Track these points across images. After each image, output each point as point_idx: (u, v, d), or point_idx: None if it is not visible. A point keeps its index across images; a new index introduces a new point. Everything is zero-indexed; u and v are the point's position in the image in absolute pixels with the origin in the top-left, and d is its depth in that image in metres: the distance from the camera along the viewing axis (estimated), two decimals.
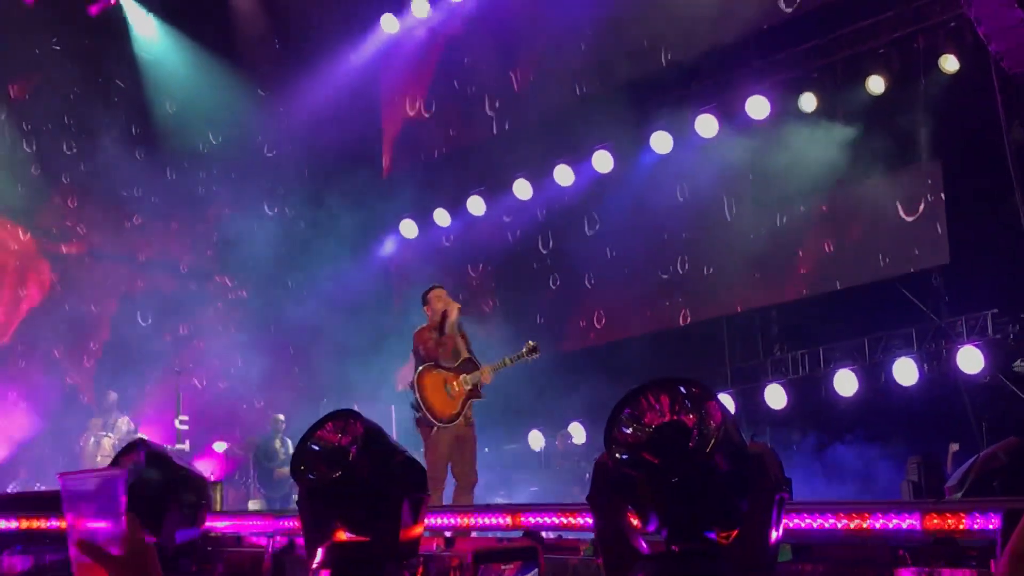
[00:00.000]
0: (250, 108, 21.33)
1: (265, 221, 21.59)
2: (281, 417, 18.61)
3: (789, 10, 15.49)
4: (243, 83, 21.36)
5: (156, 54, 20.59)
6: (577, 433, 17.31)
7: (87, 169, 20.07)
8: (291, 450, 17.48)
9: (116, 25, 20.18)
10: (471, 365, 10.77)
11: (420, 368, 10.54)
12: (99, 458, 16.64)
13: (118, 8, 20.12)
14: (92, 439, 17.39)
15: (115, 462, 7.37)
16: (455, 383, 10.58)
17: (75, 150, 19.99)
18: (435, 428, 10.44)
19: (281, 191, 21.75)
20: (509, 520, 7.03)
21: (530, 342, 11.25)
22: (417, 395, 10.43)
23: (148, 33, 20.43)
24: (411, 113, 20.69)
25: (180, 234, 20.88)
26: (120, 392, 18.72)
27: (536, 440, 17.88)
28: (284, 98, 21.72)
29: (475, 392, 10.70)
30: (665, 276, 17.49)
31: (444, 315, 10.73)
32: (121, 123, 20.44)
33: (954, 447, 12.45)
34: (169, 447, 15.82)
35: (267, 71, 21.82)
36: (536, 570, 5.05)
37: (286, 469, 17.52)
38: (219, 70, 21.03)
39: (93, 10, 19.97)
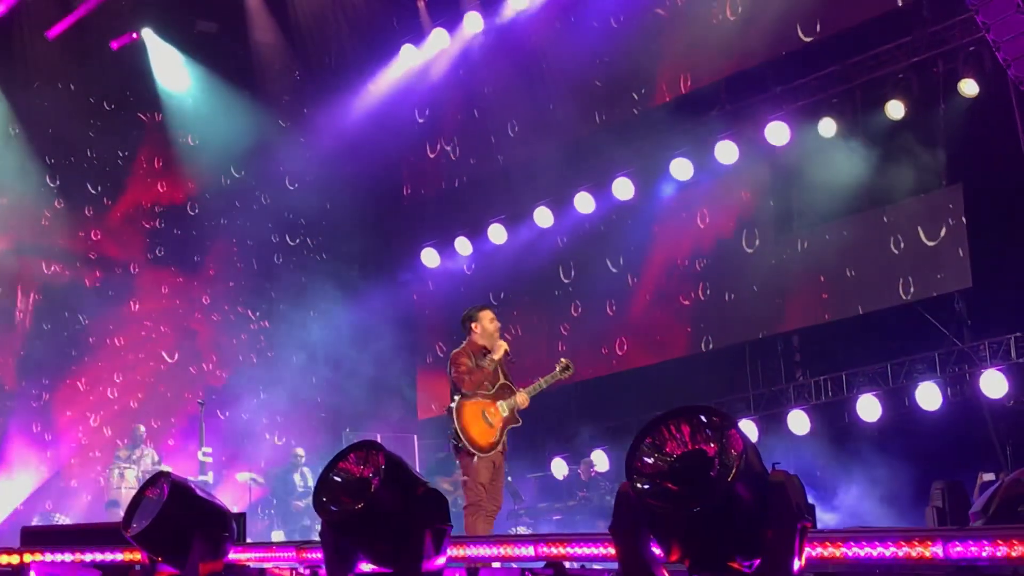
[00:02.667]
0: (271, 140, 21.46)
1: (287, 252, 21.68)
2: (300, 452, 18.61)
3: (808, 39, 15.53)
4: (264, 115, 21.49)
5: (177, 87, 20.70)
6: (600, 461, 17.28)
7: (111, 202, 20.20)
8: (309, 483, 17.55)
9: (138, 59, 20.31)
10: (508, 391, 10.57)
11: (458, 398, 10.38)
12: (123, 490, 16.68)
13: (140, 42, 20.24)
14: (116, 471, 17.45)
15: (139, 495, 7.44)
16: (492, 410, 10.42)
17: (99, 189, 20.12)
18: (476, 458, 10.28)
19: (303, 221, 21.83)
20: (532, 550, 7.01)
21: (563, 360, 10.99)
22: (456, 425, 10.27)
23: (169, 67, 20.55)
24: (431, 142, 20.76)
25: (202, 266, 20.96)
26: (144, 424, 18.79)
27: (559, 468, 17.85)
28: (305, 129, 21.85)
29: (512, 418, 10.53)
30: (687, 303, 17.49)
31: (490, 349, 10.54)
32: (144, 156, 20.59)
33: (986, 476, 12.35)
34: (192, 479, 15.88)
35: (288, 102, 21.97)
36: None
37: (303, 502, 17.53)
38: (240, 102, 21.16)
39: (115, 44, 20.12)
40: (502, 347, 10.55)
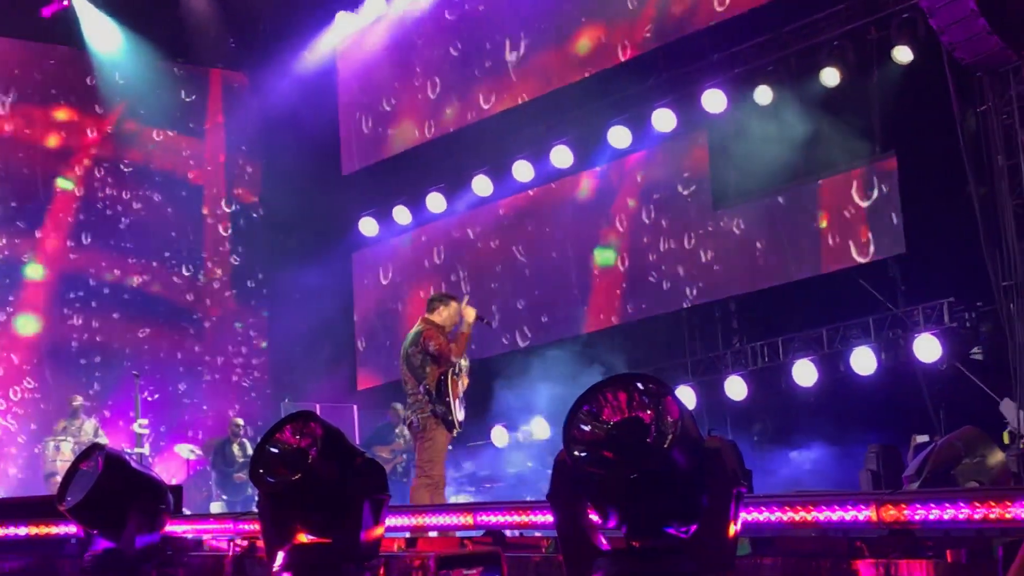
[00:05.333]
0: (205, 108, 21.27)
1: (223, 221, 21.53)
2: (240, 421, 18.50)
3: (745, 8, 15.51)
4: (198, 83, 21.31)
5: (110, 55, 20.45)
6: (540, 429, 17.32)
7: (41, 169, 19.96)
8: (250, 453, 17.46)
9: (69, 26, 20.03)
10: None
11: (449, 372, 10.71)
12: (59, 463, 16.53)
13: (71, 10, 19.95)
14: (52, 444, 17.30)
15: (73, 467, 7.38)
16: (461, 386, 10.88)
17: (22, 155, 19.85)
18: (454, 432, 10.80)
19: (238, 191, 21.69)
20: (471, 519, 7.03)
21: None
22: (450, 399, 10.64)
23: (102, 34, 20.28)
24: (369, 110, 20.64)
25: (134, 235, 20.74)
26: (83, 395, 18.64)
27: (500, 436, 17.87)
28: (240, 98, 21.67)
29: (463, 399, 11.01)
30: (624, 270, 17.54)
31: (462, 319, 10.99)
32: (74, 125, 20.36)
33: (920, 439, 12.52)
34: (128, 450, 15.77)
35: (223, 70, 21.78)
36: (498, 574, 5.07)
37: (244, 474, 17.46)
38: (174, 70, 20.98)
39: (46, 12, 19.83)
40: (472, 313, 11.02)
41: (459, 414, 10.70)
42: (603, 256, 17.87)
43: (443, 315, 10.97)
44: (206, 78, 21.60)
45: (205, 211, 21.42)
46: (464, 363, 11.06)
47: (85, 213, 20.42)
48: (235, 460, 18.00)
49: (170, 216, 21.03)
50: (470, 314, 10.96)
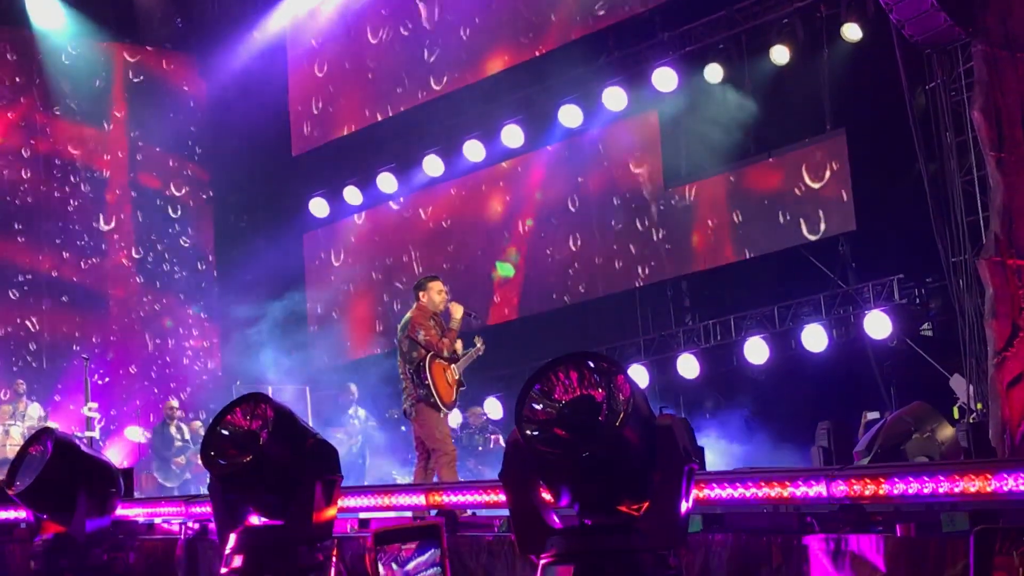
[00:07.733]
0: (155, 89, 21.12)
1: (173, 203, 21.35)
2: (174, 403, 18.23)
3: None
4: (147, 64, 21.11)
5: (56, 35, 20.22)
6: (493, 408, 17.34)
7: None
8: (187, 437, 17.39)
9: (14, 6, 19.79)
10: (455, 356, 11.18)
11: (428, 356, 10.81)
12: (7, 447, 16.38)
13: None
14: (0, 428, 17.11)
15: (22, 452, 7.31)
16: (450, 371, 10.99)
17: None
18: (442, 413, 10.87)
19: (188, 172, 21.53)
20: (423, 499, 7.04)
21: (478, 338, 11.69)
22: (430, 381, 10.73)
23: (48, 14, 20.04)
24: (320, 90, 20.52)
25: (82, 217, 20.54)
26: (29, 379, 18.48)
27: (453, 416, 17.85)
28: (189, 78, 21.49)
29: (461, 382, 11.12)
30: (576, 250, 17.54)
31: (449, 315, 11.06)
32: (20, 107, 20.15)
33: (871, 415, 12.60)
34: (78, 434, 15.62)
35: (171, 50, 21.59)
36: (437, 548, 5.08)
37: (181, 458, 17.25)
38: (121, 51, 20.78)
39: None
40: (459, 308, 11.12)
41: (445, 397, 10.79)
42: (554, 235, 17.86)
43: (426, 299, 11.07)
44: (152, 59, 21.37)
45: (154, 194, 21.22)
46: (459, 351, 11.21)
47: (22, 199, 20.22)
48: (172, 442, 17.68)
49: (118, 199, 20.84)
50: (457, 311, 11.07)
